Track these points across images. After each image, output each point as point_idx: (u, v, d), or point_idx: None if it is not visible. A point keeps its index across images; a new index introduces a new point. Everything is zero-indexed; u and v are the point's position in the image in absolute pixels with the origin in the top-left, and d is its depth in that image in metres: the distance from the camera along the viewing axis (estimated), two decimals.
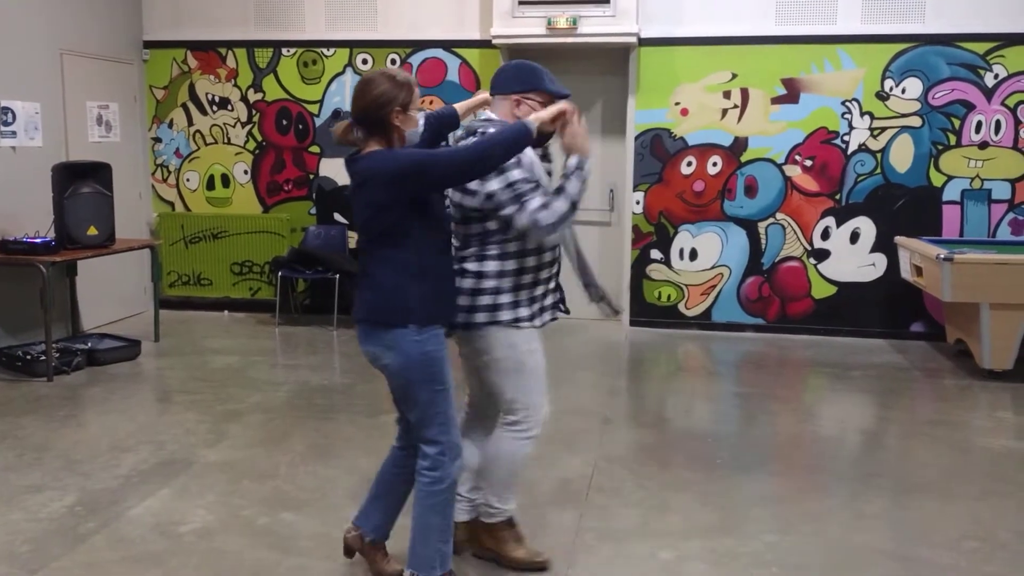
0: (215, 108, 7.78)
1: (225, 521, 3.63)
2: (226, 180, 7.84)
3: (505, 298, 3.00)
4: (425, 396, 2.82)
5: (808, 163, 7.00)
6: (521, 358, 3.03)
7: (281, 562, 3.29)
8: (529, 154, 2.96)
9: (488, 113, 3.11)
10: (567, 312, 3.27)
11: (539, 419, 3.12)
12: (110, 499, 3.82)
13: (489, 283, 2.99)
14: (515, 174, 2.88)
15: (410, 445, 3.00)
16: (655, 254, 7.28)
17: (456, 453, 2.90)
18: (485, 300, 2.99)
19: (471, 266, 2.99)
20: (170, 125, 7.87)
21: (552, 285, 3.16)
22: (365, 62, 7.49)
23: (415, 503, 2.92)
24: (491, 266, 2.99)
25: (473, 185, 2.90)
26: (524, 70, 3.09)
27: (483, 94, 3.34)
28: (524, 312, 3.03)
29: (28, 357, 5.78)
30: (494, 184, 2.87)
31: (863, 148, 6.92)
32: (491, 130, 2.94)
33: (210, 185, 7.87)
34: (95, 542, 3.43)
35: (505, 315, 3.00)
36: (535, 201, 2.86)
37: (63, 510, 3.71)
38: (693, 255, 7.24)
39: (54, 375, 5.66)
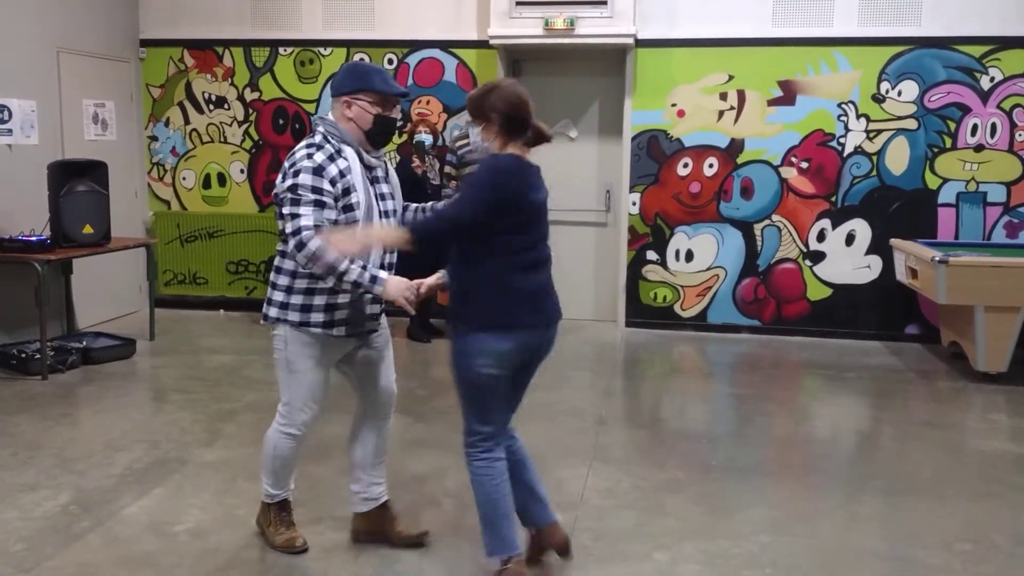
0: (211, 107, 7.77)
1: (219, 520, 3.62)
2: (222, 179, 7.83)
3: (296, 299, 3.07)
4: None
5: (804, 165, 7.01)
6: (291, 359, 3.13)
7: (276, 562, 3.29)
8: (347, 151, 3.02)
9: (328, 114, 3.15)
10: (374, 330, 3.25)
11: (297, 421, 3.21)
12: (104, 498, 3.82)
13: (283, 280, 3.10)
14: (303, 178, 2.94)
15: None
16: (651, 255, 7.29)
17: (502, 436, 3.07)
18: (278, 296, 3.11)
19: (276, 262, 3.15)
20: (166, 124, 7.86)
21: (368, 297, 3.10)
22: (362, 61, 7.47)
23: (474, 493, 3.06)
24: (288, 264, 3.09)
25: (278, 179, 3.03)
26: (355, 70, 3.11)
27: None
28: (317, 317, 3.07)
29: (23, 355, 5.77)
30: (286, 183, 2.98)
31: (859, 150, 6.93)
32: (319, 130, 3.09)
33: (206, 184, 7.87)
34: (89, 541, 3.42)
35: (293, 316, 3.08)
36: (305, 219, 2.92)
37: (57, 509, 3.71)
38: (689, 256, 7.25)
39: (49, 373, 5.65)
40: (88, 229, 6.12)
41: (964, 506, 3.90)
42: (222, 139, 7.79)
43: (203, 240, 7.85)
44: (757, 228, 7.13)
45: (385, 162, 3.24)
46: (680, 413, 5.38)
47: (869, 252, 7.02)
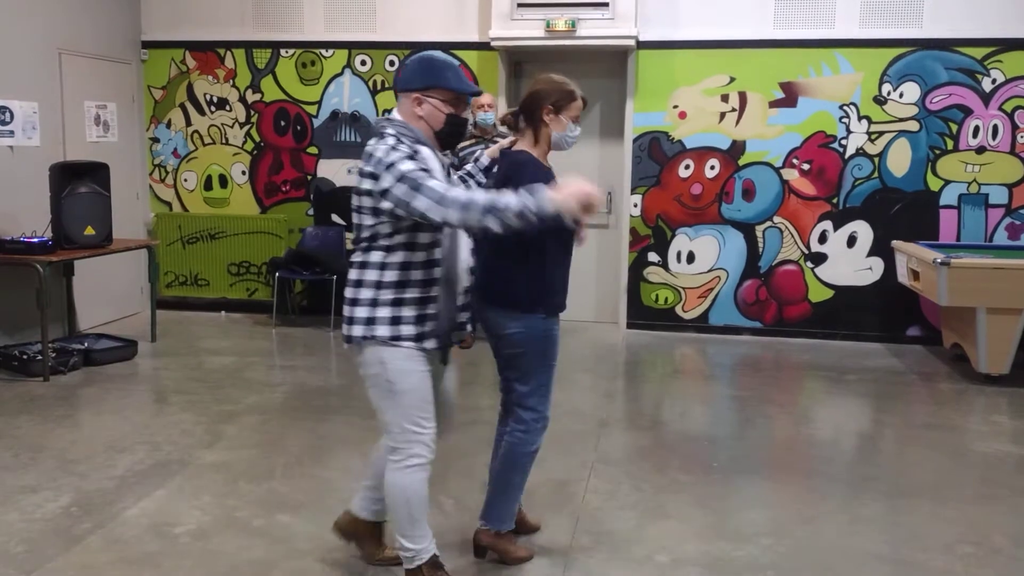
0: (213, 108, 7.78)
1: (220, 522, 3.62)
2: (224, 181, 7.84)
3: (383, 311, 2.77)
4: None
5: (806, 167, 7.01)
6: (394, 379, 2.79)
7: (276, 564, 3.29)
8: (425, 151, 2.77)
9: (395, 112, 2.86)
10: (469, 334, 3.12)
11: (418, 445, 2.84)
12: (105, 500, 3.82)
13: (366, 293, 2.78)
14: (405, 165, 2.64)
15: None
16: (652, 257, 7.28)
17: (545, 425, 3.23)
18: (361, 312, 2.79)
19: (355, 274, 2.82)
20: (168, 125, 7.86)
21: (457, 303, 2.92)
22: (364, 63, 7.49)
23: (501, 462, 3.25)
24: (371, 275, 2.78)
25: (368, 184, 2.71)
26: (426, 65, 2.83)
27: (507, 139, 3.29)
28: (408, 330, 2.78)
29: (24, 357, 5.78)
30: (384, 181, 2.64)
31: (860, 152, 6.93)
32: (389, 131, 2.76)
33: (208, 185, 7.87)
34: (90, 543, 3.43)
35: (382, 331, 2.77)
36: (438, 184, 2.60)
37: (58, 510, 3.71)
38: (691, 258, 7.24)
39: (50, 375, 5.66)
40: (89, 231, 6.13)
41: (966, 508, 3.89)
42: (224, 141, 7.80)
43: (204, 242, 7.85)
44: (759, 230, 7.12)
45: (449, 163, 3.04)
46: (681, 415, 5.38)
47: (871, 254, 7.01)
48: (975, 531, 3.65)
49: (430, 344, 2.82)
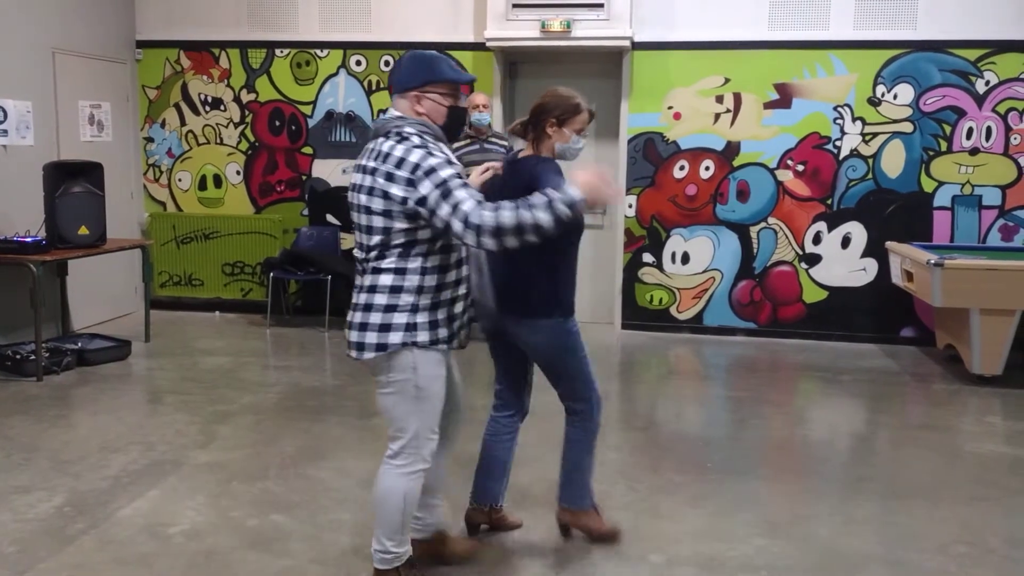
0: (208, 108, 7.76)
1: (214, 523, 3.61)
2: (218, 180, 7.83)
3: (423, 317, 2.76)
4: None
5: (800, 168, 7.02)
6: (423, 384, 2.78)
7: (270, 564, 3.28)
8: (446, 149, 2.80)
9: (391, 112, 2.84)
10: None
11: (425, 452, 2.85)
12: (99, 500, 3.81)
13: (407, 299, 2.74)
14: (444, 171, 2.63)
15: (519, 411, 3.47)
16: (647, 257, 7.29)
17: (600, 403, 3.39)
18: (400, 319, 2.74)
19: (391, 280, 2.74)
20: (162, 125, 7.85)
21: (469, 302, 2.95)
22: (359, 63, 7.48)
23: (569, 449, 3.37)
24: (412, 280, 2.74)
25: (399, 192, 2.65)
26: (420, 61, 2.82)
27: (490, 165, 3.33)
28: (443, 332, 2.80)
29: (18, 357, 5.76)
30: (422, 188, 2.62)
31: (855, 153, 6.94)
32: (409, 130, 2.73)
33: (202, 185, 7.86)
34: (83, 543, 3.42)
35: (423, 336, 2.75)
36: (465, 203, 2.59)
37: (51, 511, 3.70)
38: (685, 259, 7.25)
39: (44, 375, 5.64)
40: (84, 230, 6.11)
41: (959, 509, 3.90)
42: (218, 141, 7.78)
43: (199, 242, 7.84)
44: (753, 231, 7.13)
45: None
46: (676, 415, 5.39)
47: (865, 255, 7.03)
48: (969, 531, 3.66)
49: (457, 343, 2.87)
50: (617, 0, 6.74)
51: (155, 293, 7.63)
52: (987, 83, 6.74)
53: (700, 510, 3.83)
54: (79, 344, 6.16)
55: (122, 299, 7.56)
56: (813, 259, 7.10)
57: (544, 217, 2.59)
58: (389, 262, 2.73)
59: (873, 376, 6.13)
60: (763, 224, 7.11)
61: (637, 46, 7.03)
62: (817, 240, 7.08)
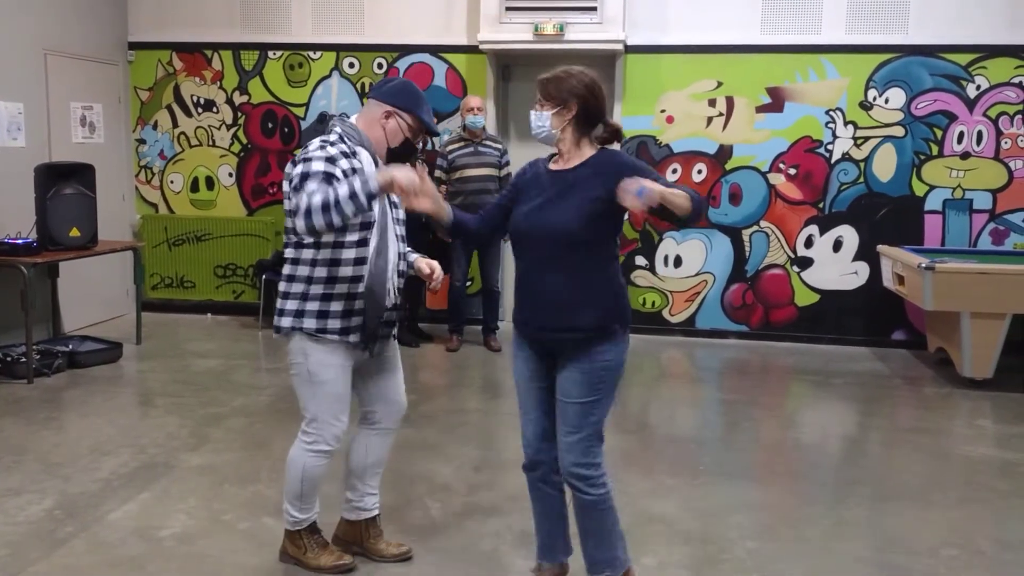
0: (200, 110, 7.75)
1: (206, 526, 3.61)
2: (210, 182, 7.81)
3: (312, 305, 2.96)
4: None
5: (792, 171, 7.05)
6: (314, 369, 2.98)
7: (261, 568, 3.27)
8: (363, 154, 2.98)
9: (355, 116, 3.11)
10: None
11: (328, 435, 3.05)
12: (89, 503, 3.79)
13: (297, 287, 2.98)
14: (315, 165, 2.83)
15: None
16: (640, 260, 7.30)
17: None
18: (291, 305, 2.99)
19: (288, 269, 3.02)
20: (154, 127, 7.83)
21: (387, 302, 3.07)
22: (352, 66, 7.48)
23: (589, 517, 2.96)
24: (303, 270, 2.97)
25: (286, 184, 2.94)
26: (410, 91, 3.08)
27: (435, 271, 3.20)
28: (335, 324, 2.96)
29: (8, 359, 5.73)
30: (296, 170, 2.87)
31: (846, 157, 6.97)
32: (336, 129, 2.99)
33: (194, 187, 7.84)
34: (74, 546, 3.40)
35: (309, 323, 2.96)
36: (314, 194, 2.75)
37: (42, 513, 3.68)
38: (678, 262, 7.26)
39: (34, 377, 5.62)
40: (75, 232, 6.09)
41: (950, 512, 3.92)
42: (210, 142, 7.77)
43: (191, 244, 7.82)
44: (745, 234, 7.15)
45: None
46: (668, 418, 5.39)
47: (856, 258, 7.05)
48: (959, 534, 3.67)
49: (354, 338, 3.00)
50: (610, 3, 6.76)
51: (147, 295, 7.60)
52: (978, 87, 6.77)
53: (692, 512, 3.83)
54: (70, 346, 6.14)
55: (113, 301, 7.53)
56: (805, 262, 7.12)
57: (343, 190, 2.72)
58: (289, 251, 3.03)
59: (864, 379, 6.15)
60: (755, 227, 7.13)
61: (630, 49, 7.05)
62: (809, 243, 7.10)
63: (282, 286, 3.02)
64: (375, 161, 3.00)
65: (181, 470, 4.20)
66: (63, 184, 6.04)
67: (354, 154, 2.95)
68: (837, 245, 7.07)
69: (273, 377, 5.93)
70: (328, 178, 2.80)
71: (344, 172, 2.86)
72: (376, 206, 2.93)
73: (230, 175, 7.77)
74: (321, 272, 2.95)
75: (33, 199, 5.94)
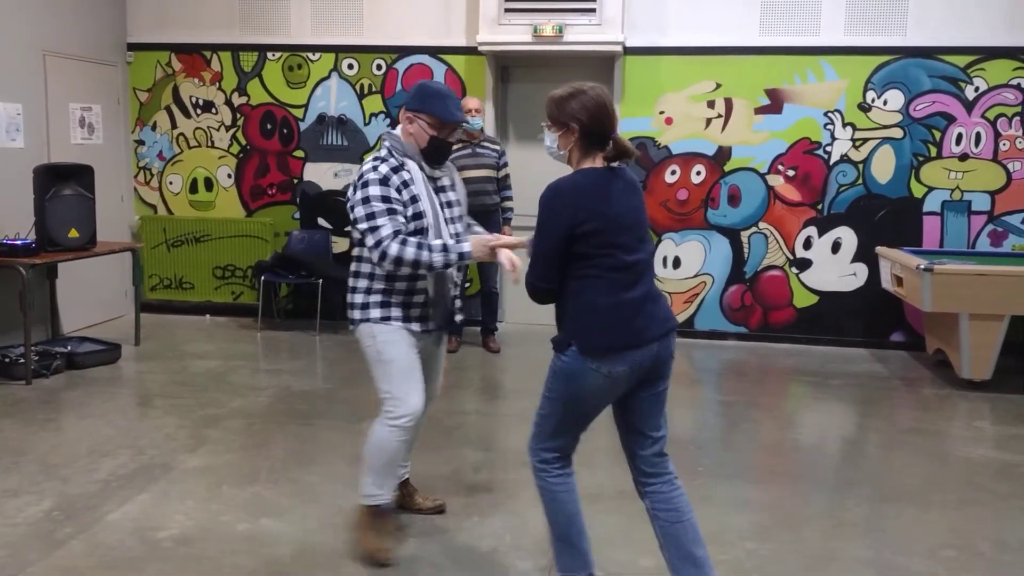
0: (199, 111, 7.75)
1: (204, 527, 3.60)
2: (209, 184, 7.81)
3: (375, 298, 3.26)
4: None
5: (791, 173, 7.05)
6: (381, 348, 3.25)
7: (260, 569, 3.27)
8: (411, 165, 3.23)
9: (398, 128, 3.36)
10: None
11: (404, 409, 3.25)
12: (88, 504, 3.79)
13: (362, 283, 3.29)
14: (372, 190, 3.13)
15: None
16: None
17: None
18: (358, 299, 3.28)
19: (353, 266, 3.32)
20: (153, 128, 7.83)
21: (452, 294, 3.41)
22: (351, 67, 7.48)
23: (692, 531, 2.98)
24: (365, 267, 3.27)
25: (349, 193, 3.22)
26: (422, 91, 3.30)
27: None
28: (396, 312, 3.25)
29: (7, 360, 5.73)
30: (357, 195, 3.16)
31: (845, 159, 6.97)
32: (385, 143, 3.30)
33: (193, 188, 7.84)
34: (72, 547, 3.40)
35: (374, 313, 3.25)
36: (384, 229, 3.10)
37: (40, 515, 3.68)
38: (676, 263, 7.27)
39: (33, 378, 5.61)
40: (74, 233, 6.09)
41: (948, 513, 3.92)
42: (209, 143, 7.77)
43: (189, 245, 7.82)
44: (744, 235, 7.15)
45: (452, 169, 3.43)
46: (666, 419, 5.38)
47: (855, 260, 7.05)
48: (958, 535, 3.67)
49: (416, 327, 3.27)
50: (609, 5, 6.76)
51: (145, 296, 7.60)
52: (976, 89, 6.78)
53: None
54: (69, 347, 6.14)
55: (112, 302, 7.53)
56: (804, 264, 7.12)
57: (438, 259, 3.11)
58: (355, 251, 3.32)
59: (863, 380, 6.15)
60: (754, 229, 7.13)
61: (629, 51, 7.05)
62: (808, 245, 7.10)
63: (350, 281, 3.31)
64: (421, 166, 3.25)
65: (180, 471, 4.20)
66: (62, 185, 6.04)
67: (402, 165, 3.22)
68: (836, 247, 7.07)
69: (272, 378, 5.93)
70: (392, 212, 3.12)
71: (397, 189, 3.16)
72: (427, 205, 3.22)
73: (229, 176, 7.77)
74: (382, 270, 3.20)
75: (32, 200, 5.94)
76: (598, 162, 2.83)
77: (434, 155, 3.27)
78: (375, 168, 3.18)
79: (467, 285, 7.00)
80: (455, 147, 6.58)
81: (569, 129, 2.81)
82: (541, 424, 2.93)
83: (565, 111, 2.81)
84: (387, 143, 3.28)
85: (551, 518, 2.97)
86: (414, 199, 3.19)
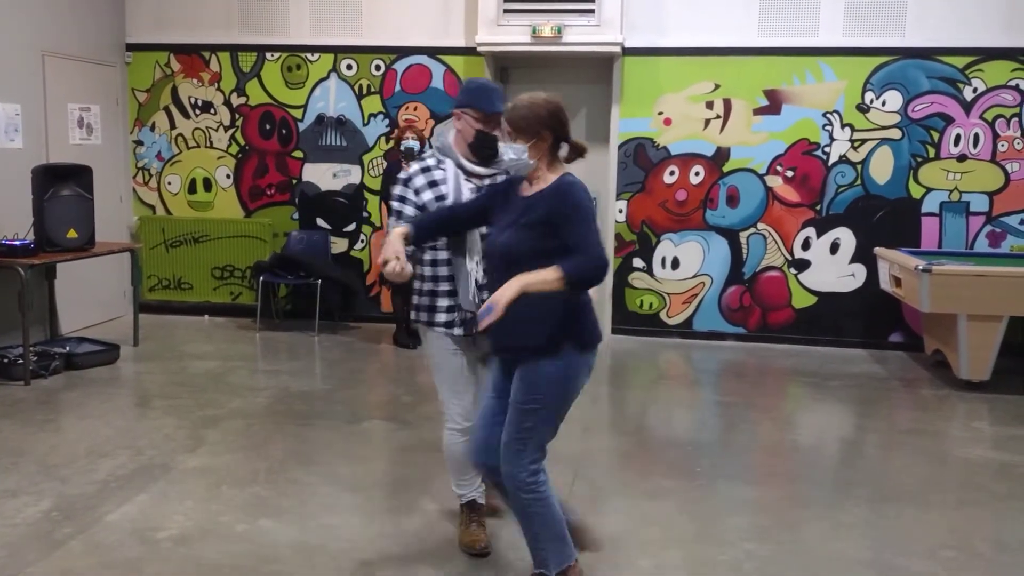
0: (198, 112, 7.75)
1: (203, 527, 3.60)
2: (208, 184, 7.80)
3: (424, 300, 3.33)
4: None
5: (789, 174, 7.05)
6: (433, 354, 3.35)
7: (259, 569, 3.27)
8: (448, 164, 3.26)
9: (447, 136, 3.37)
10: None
11: (454, 414, 3.34)
12: (87, 504, 3.79)
13: (415, 285, 3.35)
14: (396, 189, 3.27)
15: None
16: (637, 262, 7.30)
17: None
18: (413, 301, 3.37)
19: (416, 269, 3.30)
20: (152, 128, 7.82)
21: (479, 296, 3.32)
22: (350, 68, 7.48)
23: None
24: (418, 270, 3.30)
25: None
26: (467, 87, 3.35)
27: None
28: (440, 317, 3.29)
29: (5, 360, 5.72)
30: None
31: (843, 160, 6.98)
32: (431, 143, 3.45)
33: (192, 189, 7.83)
34: (71, 548, 3.40)
35: (423, 316, 3.34)
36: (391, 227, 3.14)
37: (39, 515, 3.68)
38: (675, 264, 7.27)
39: (31, 379, 5.61)
40: (72, 234, 6.09)
41: (947, 513, 3.92)
42: (208, 144, 7.77)
43: (188, 245, 7.81)
44: (743, 236, 7.16)
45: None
46: (665, 420, 5.39)
47: (853, 260, 7.06)
48: (957, 536, 3.68)
49: (458, 331, 3.29)
50: (608, 6, 6.76)
51: (144, 297, 7.60)
52: (975, 90, 6.78)
53: (689, 515, 3.83)
54: (67, 348, 6.13)
55: (111, 303, 7.53)
56: (802, 264, 7.13)
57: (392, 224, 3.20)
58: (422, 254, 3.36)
59: (861, 381, 6.16)
60: (752, 230, 7.14)
61: (628, 52, 7.05)
62: (806, 246, 7.11)
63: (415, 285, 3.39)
64: (461, 166, 3.26)
65: (178, 472, 4.20)
66: (60, 185, 6.03)
67: (439, 163, 3.30)
68: (834, 247, 7.08)
69: (270, 379, 5.93)
70: (399, 214, 3.24)
71: (416, 191, 3.24)
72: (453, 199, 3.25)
73: (228, 176, 7.77)
74: (427, 271, 3.31)
75: (30, 200, 5.93)
76: (558, 171, 2.91)
77: (481, 149, 3.24)
78: (405, 172, 3.31)
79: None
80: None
81: (540, 137, 2.85)
82: (528, 439, 2.88)
83: (534, 120, 2.84)
84: (436, 143, 3.37)
85: (545, 523, 2.94)
86: (433, 183, 3.24)
